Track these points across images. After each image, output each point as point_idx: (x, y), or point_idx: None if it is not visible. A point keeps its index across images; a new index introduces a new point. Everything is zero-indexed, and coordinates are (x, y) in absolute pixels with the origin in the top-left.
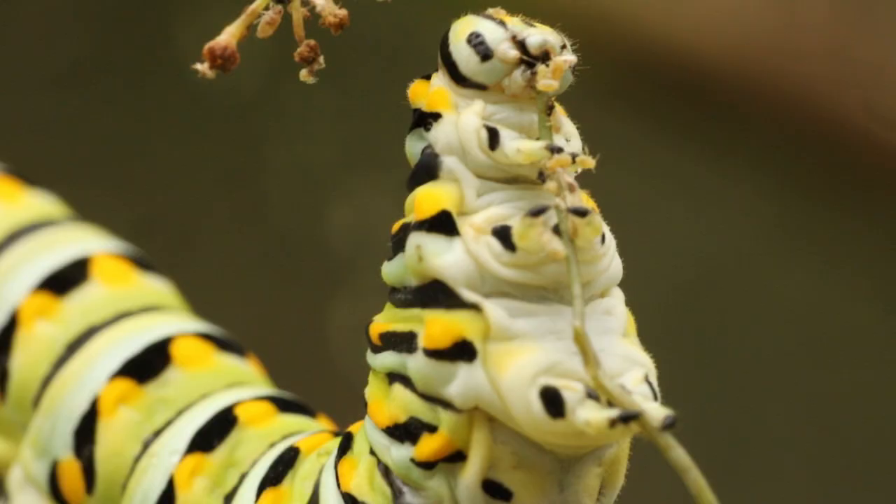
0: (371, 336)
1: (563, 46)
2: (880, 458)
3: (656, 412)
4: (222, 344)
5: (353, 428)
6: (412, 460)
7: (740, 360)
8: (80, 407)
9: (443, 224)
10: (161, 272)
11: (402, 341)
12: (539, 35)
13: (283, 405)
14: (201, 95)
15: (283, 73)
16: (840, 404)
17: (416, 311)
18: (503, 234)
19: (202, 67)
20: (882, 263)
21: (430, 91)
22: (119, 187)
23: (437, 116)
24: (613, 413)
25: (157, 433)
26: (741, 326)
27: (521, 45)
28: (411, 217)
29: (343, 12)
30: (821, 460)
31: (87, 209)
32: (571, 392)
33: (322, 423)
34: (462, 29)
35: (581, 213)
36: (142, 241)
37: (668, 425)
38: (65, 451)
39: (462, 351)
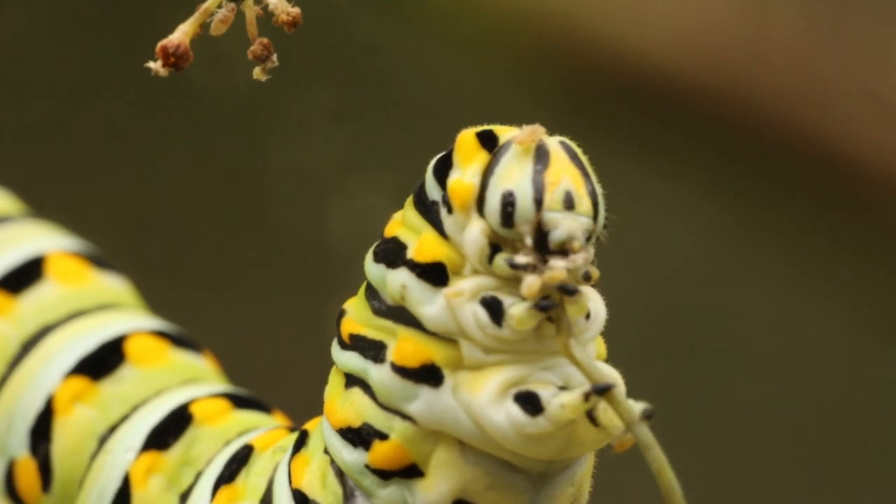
0: (341, 331)
1: (589, 238)
2: (844, 460)
3: (635, 405)
4: (177, 341)
5: (309, 425)
6: (367, 466)
7: (705, 372)
8: (35, 406)
9: (435, 274)
10: (161, 272)
11: (371, 348)
12: (564, 232)
13: (239, 402)
14: (200, 95)
15: (282, 73)
16: (806, 411)
17: (390, 323)
18: (492, 307)
19: (155, 66)
20: (846, 274)
21: (463, 180)
22: (119, 187)
23: (450, 207)
24: (586, 387)
25: (113, 429)
26: (707, 338)
27: (542, 235)
28: (409, 241)
29: (296, 10)
30: (787, 464)
31: (87, 209)
32: (545, 389)
33: (277, 420)
34: (509, 174)
35: (570, 292)
36: (142, 241)
37: (647, 416)
38: (21, 450)
39: (429, 374)
